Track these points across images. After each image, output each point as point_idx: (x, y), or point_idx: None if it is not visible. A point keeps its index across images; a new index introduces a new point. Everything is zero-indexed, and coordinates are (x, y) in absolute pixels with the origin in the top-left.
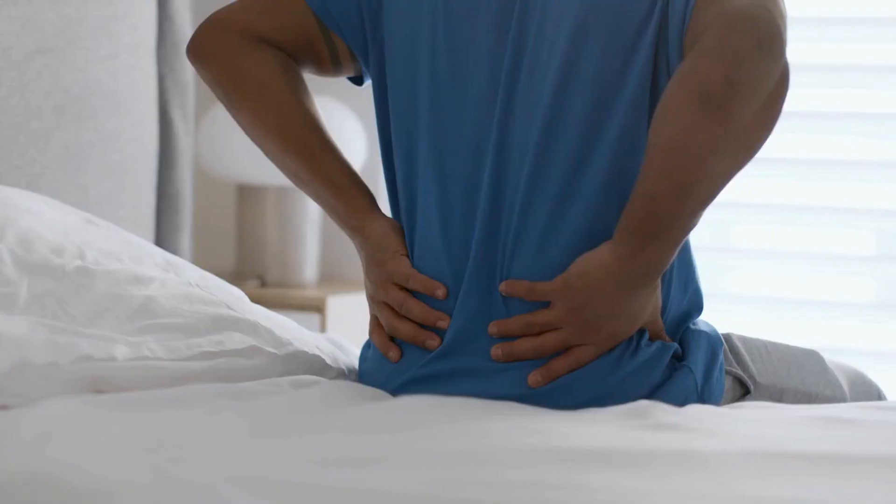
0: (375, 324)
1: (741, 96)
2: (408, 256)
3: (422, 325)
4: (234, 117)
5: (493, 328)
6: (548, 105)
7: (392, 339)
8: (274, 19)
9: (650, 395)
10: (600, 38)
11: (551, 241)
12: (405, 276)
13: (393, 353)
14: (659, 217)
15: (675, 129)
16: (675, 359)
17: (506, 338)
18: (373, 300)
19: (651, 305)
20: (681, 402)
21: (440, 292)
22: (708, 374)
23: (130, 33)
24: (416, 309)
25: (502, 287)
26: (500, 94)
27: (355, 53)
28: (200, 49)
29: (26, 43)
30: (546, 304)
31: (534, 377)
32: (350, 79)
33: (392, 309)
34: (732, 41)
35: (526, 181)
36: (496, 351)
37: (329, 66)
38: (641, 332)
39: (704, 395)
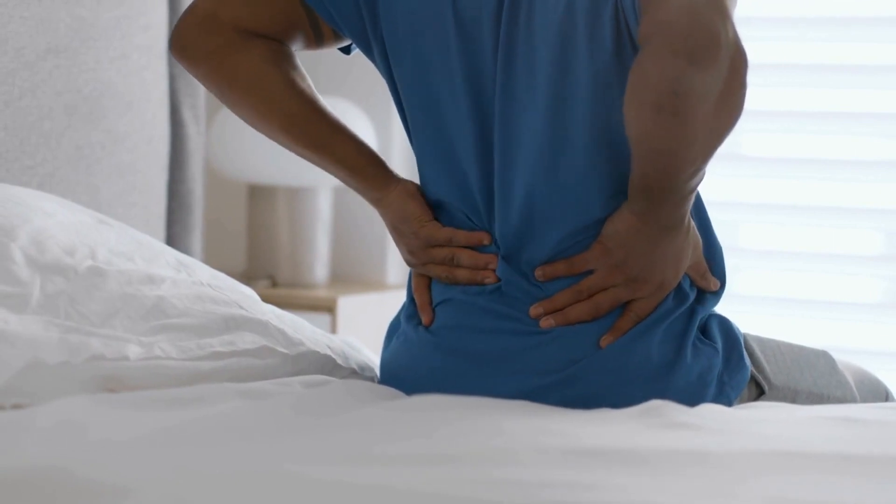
0: (417, 282)
1: (691, 102)
2: (435, 219)
3: None
4: (234, 113)
5: (536, 309)
6: (547, 101)
7: (430, 304)
8: (260, 9)
9: (675, 360)
10: (584, 32)
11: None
12: (446, 237)
13: (427, 317)
14: (655, 188)
15: (640, 131)
16: (701, 332)
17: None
18: (413, 265)
19: (689, 248)
20: (704, 377)
21: (486, 241)
22: (728, 356)
23: (142, 34)
24: (467, 257)
25: (539, 274)
26: (497, 92)
27: (359, 47)
28: (187, 47)
29: (38, 43)
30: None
31: (606, 339)
32: (339, 49)
33: (441, 264)
34: (666, 61)
35: (536, 176)
36: (547, 321)
37: (314, 46)
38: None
39: (724, 378)
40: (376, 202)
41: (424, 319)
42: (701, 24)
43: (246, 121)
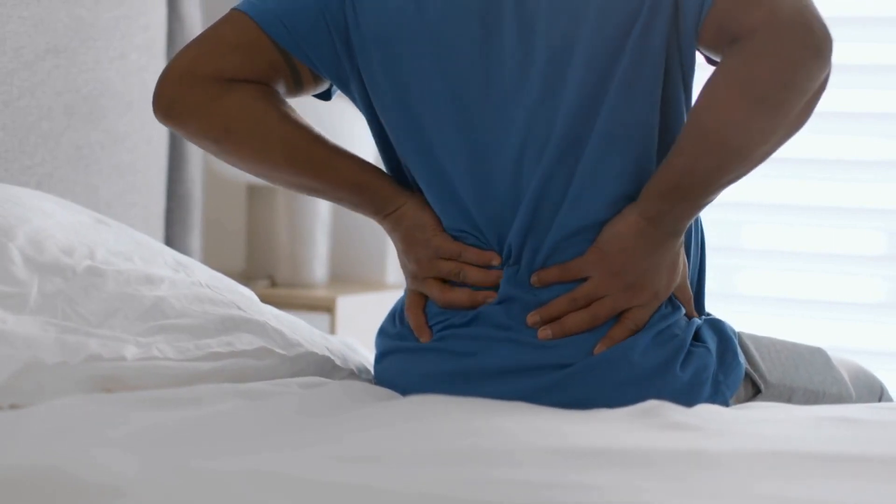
0: (413, 301)
1: (795, 96)
2: (445, 231)
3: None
4: (231, 162)
5: (533, 317)
6: (571, 104)
7: (426, 323)
8: (237, 58)
9: (669, 363)
10: (589, 30)
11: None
12: (456, 252)
13: (426, 337)
14: (693, 187)
15: (725, 122)
16: (694, 336)
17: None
18: (416, 277)
19: (681, 263)
20: (699, 376)
21: (495, 261)
22: (721, 355)
23: (142, 34)
24: (473, 274)
25: (534, 279)
26: (491, 97)
27: (337, 86)
28: (174, 103)
29: (38, 43)
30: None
31: (599, 347)
32: (316, 95)
33: (441, 282)
34: (793, 50)
35: (513, 172)
36: (545, 332)
37: (293, 92)
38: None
39: (719, 377)
40: (387, 216)
41: (423, 338)
42: (816, 19)
43: (246, 165)
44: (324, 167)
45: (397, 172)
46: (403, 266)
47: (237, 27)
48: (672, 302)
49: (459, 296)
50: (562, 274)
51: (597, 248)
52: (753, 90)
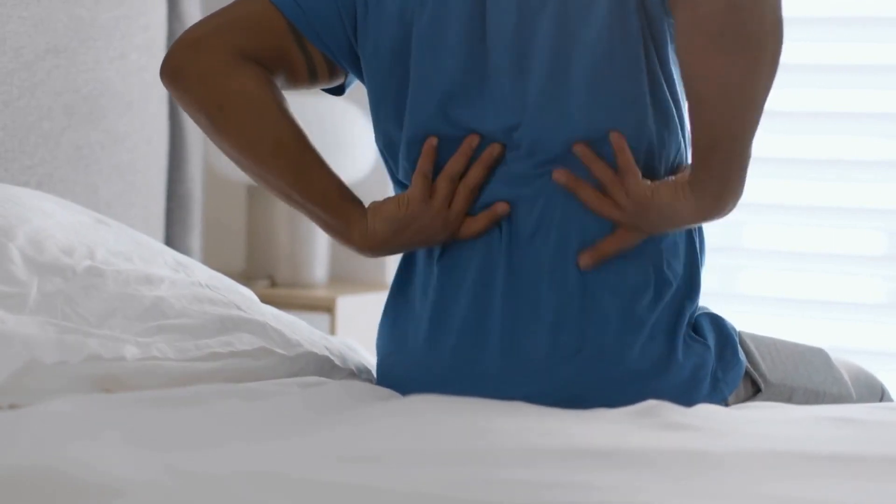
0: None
1: (747, 16)
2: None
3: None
4: (218, 141)
5: (584, 259)
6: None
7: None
8: (251, 35)
9: (667, 358)
10: (548, 22)
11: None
12: (447, 182)
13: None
14: (727, 158)
15: (713, 78)
16: (693, 331)
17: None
18: (454, 228)
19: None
20: (697, 373)
21: (474, 142)
22: (720, 352)
23: (141, 34)
24: (474, 174)
25: (577, 148)
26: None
27: (346, 68)
28: (180, 71)
29: (37, 43)
30: None
31: (584, 260)
32: (327, 90)
33: (469, 217)
34: None
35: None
36: (559, 174)
37: (306, 78)
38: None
39: (718, 374)
40: (352, 237)
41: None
42: None
43: (231, 150)
44: (304, 174)
45: (392, 159)
46: (435, 241)
47: (255, 5)
48: (662, 284)
49: (478, 221)
50: (624, 160)
51: (644, 194)
52: (710, 28)
